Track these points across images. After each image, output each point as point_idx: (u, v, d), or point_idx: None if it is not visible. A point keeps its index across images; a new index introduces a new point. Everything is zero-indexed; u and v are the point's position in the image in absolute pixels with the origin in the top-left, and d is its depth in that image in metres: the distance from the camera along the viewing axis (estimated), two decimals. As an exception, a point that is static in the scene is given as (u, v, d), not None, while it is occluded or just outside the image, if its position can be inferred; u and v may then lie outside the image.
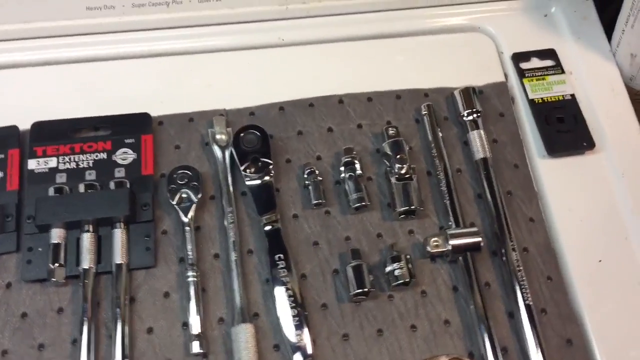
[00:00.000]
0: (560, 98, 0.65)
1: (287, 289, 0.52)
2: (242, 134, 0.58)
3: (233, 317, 0.53)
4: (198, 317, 0.52)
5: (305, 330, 0.51)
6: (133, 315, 0.53)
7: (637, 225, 0.59)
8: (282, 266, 0.53)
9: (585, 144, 0.62)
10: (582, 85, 0.66)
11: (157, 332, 0.53)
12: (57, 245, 0.54)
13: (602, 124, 0.64)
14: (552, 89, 0.65)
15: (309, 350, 0.51)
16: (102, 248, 0.54)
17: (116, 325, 0.52)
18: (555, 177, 0.62)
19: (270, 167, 0.57)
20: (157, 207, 0.57)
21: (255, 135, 0.58)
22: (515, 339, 0.54)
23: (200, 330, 0.52)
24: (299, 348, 0.51)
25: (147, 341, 0.52)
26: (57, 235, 0.54)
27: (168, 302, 0.54)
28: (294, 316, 0.51)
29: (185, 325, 0.53)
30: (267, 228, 0.55)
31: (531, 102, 0.64)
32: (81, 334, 0.51)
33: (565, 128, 0.63)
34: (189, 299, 0.53)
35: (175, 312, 0.53)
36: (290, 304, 0.52)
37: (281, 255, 0.53)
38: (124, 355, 0.50)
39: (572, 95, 0.65)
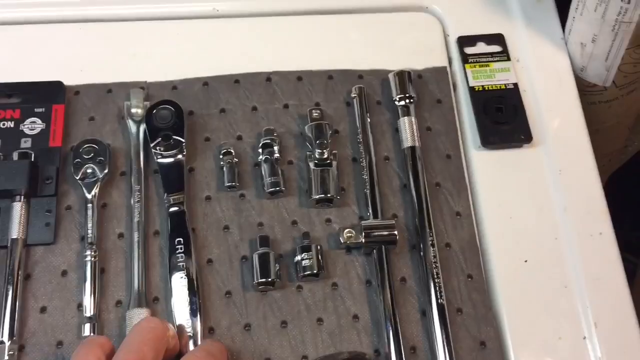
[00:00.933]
0: (502, 87, 0.61)
1: (183, 276, 0.50)
2: (155, 109, 0.55)
3: (130, 300, 0.51)
4: (92, 299, 0.50)
5: (198, 319, 0.49)
6: (27, 293, 0.51)
7: (569, 225, 0.56)
8: (180, 250, 0.50)
9: (522, 137, 0.58)
10: (528, 74, 0.62)
11: (51, 311, 0.51)
12: (-52, 216, 0.51)
13: (543, 117, 0.60)
14: (494, 76, 0.62)
15: (199, 340, 0.49)
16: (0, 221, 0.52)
17: (6, 302, 0.49)
18: (488, 170, 0.58)
19: (183, 145, 0.54)
20: (63, 182, 0.55)
21: (169, 111, 0.55)
22: (426, 339, 0.51)
23: (93, 313, 0.49)
24: (189, 337, 0.48)
25: (39, 321, 0.50)
26: (-50, 205, 0.52)
27: (65, 281, 0.52)
28: (189, 304, 0.49)
29: (81, 306, 0.51)
30: (171, 209, 0.52)
31: (471, 90, 0.61)
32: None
33: (503, 119, 0.59)
34: (85, 280, 0.51)
35: (72, 292, 0.51)
36: (185, 291, 0.49)
37: (181, 239, 0.51)
38: (11, 334, 0.48)
39: (515, 85, 0.61)
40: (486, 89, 0.61)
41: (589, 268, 0.54)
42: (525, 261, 0.55)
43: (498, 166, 0.58)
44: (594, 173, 0.58)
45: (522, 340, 0.52)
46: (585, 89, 0.64)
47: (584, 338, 0.52)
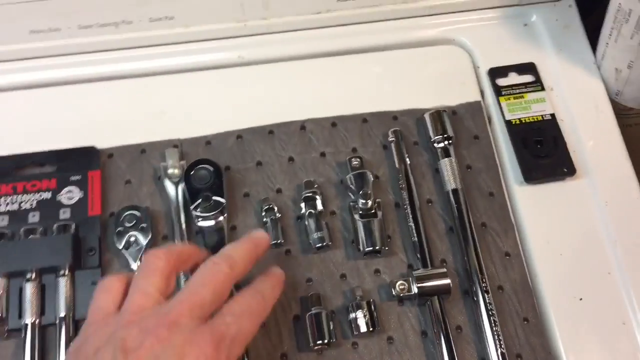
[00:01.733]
0: (539, 118, 0.60)
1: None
2: (193, 170, 0.54)
3: None
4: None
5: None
6: (79, 370, 0.50)
7: (621, 258, 0.55)
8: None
9: (565, 169, 0.57)
10: (564, 102, 0.61)
11: (105, 388, 0.50)
12: (-4, 297, 0.50)
13: (584, 147, 0.59)
14: (530, 108, 0.61)
15: None
16: (46, 297, 0.51)
17: (59, 382, 0.49)
18: (532, 206, 0.57)
19: (224, 206, 0.54)
20: (105, 251, 0.54)
21: (207, 171, 0.54)
22: (487, 388, 0.51)
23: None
24: None
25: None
26: (-4, 285, 0.51)
27: (116, 354, 0.51)
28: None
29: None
30: (218, 275, 0.51)
31: (508, 123, 0.60)
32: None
33: (544, 152, 0.58)
34: (137, 353, 0.50)
35: None
36: None
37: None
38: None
39: (552, 115, 0.60)
40: (523, 121, 0.60)
41: (646, 302, 0.53)
42: (581, 299, 0.54)
43: (542, 201, 0.57)
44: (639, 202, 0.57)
45: (585, 383, 0.51)
46: (621, 113, 0.64)
47: (646, 377, 0.51)
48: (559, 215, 0.57)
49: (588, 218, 0.57)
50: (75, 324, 0.51)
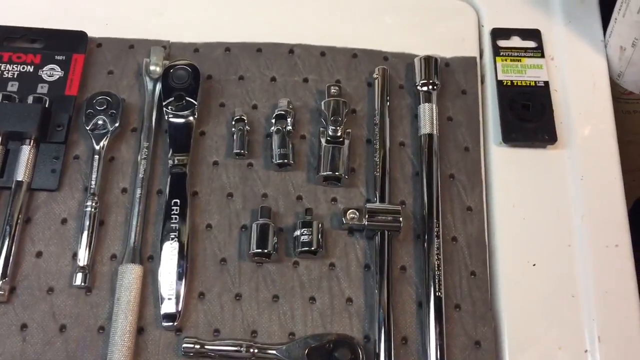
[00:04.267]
0: (532, 84, 0.59)
1: (175, 238, 0.49)
2: (172, 69, 0.55)
3: (124, 255, 0.50)
4: (87, 250, 0.50)
5: (182, 283, 0.48)
6: (25, 236, 0.51)
7: (584, 233, 0.53)
8: (175, 212, 0.50)
9: (546, 136, 0.56)
10: (562, 73, 0.60)
11: (46, 257, 0.50)
12: (-40, 153, 0.52)
13: (572, 119, 0.58)
14: (525, 72, 0.59)
15: (174, 308, 0.48)
16: (7, 163, 0.52)
17: (3, 242, 0.49)
18: (507, 168, 0.56)
19: (195, 107, 0.54)
20: (74, 131, 0.54)
21: (186, 72, 0.54)
22: (419, 331, 0.49)
23: (87, 263, 0.49)
24: (168, 301, 0.48)
25: (34, 265, 0.50)
26: (-38, 143, 0.52)
27: (64, 229, 0.51)
28: (177, 267, 0.49)
29: (76, 255, 0.50)
30: (173, 170, 0.52)
31: (499, 83, 0.59)
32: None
33: (529, 117, 0.57)
34: (83, 230, 0.50)
35: (69, 241, 0.51)
36: (175, 254, 0.49)
37: (178, 201, 0.50)
38: (4, 274, 0.48)
39: (546, 83, 0.58)
40: (515, 84, 0.58)
41: (600, 280, 0.51)
42: (534, 265, 0.52)
43: (518, 165, 0.56)
44: (618, 183, 0.55)
45: (519, 346, 0.49)
46: (621, 97, 0.61)
47: (586, 351, 0.49)
48: (532, 181, 0.55)
49: (561, 188, 0.55)
50: (30, 192, 0.52)
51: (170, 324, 0.48)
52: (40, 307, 0.49)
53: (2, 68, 0.55)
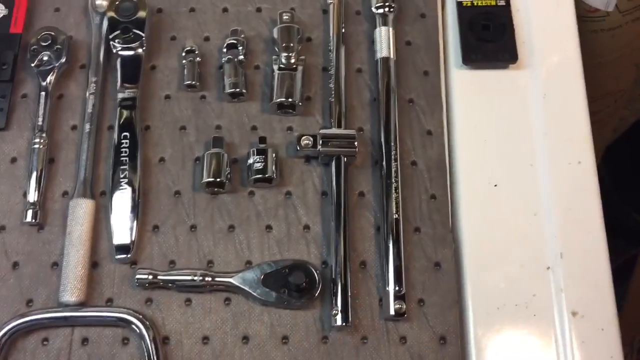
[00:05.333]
0: (492, 3, 0.57)
1: (126, 171, 0.48)
2: (118, 2, 0.53)
3: (75, 190, 0.49)
4: (37, 187, 0.49)
5: (135, 216, 0.48)
6: (-25, 177, 0.51)
7: (546, 152, 0.52)
8: (125, 145, 0.49)
9: (507, 56, 0.54)
10: (524, -7, 0.58)
11: (-4, 197, 0.50)
12: None
13: (534, 38, 0.56)
14: (486, -8, 0.58)
15: (127, 239, 0.47)
16: (-47, 105, 0.51)
17: (-48, 183, 0.49)
18: (468, 90, 0.55)
19: (143, 39, 0.52)
20: (21, 70, 0.53)
21: (132, 4, 0.53)
22: (377, 255, 0.49)
23: (36, 200, 0.48)
24: (121, 233, 0.47)
25: (-16, 205, 0.50)
26: None
27: (13, 167, 0.50)
28: (130, 201, 0.48)
29: (26, 194, 0.50)
30: (122, 103, 0.50)
31: (459, 5, 0.57)
32: None
33: (489, 37, 0.55)
34: (32, 167, 0.50)
35: (19, 179, 0.50)
36: (127, 188, 0.48)
37: (127, 134, 0.49)
38: (-47, 214, 0.48)
39: (507, 2, 0.56)
40: (475, 4, 0.57)
41: (563, 197, 0.51)
42: (495, 185, 0.51)
43: (479, 86, 0.55)
44: (582, 101, 0.54)
45: (480, 265, 0.49)
46: (587, 15, 0.60)
47: (548, 268, 0.49)
48: (493, 102, 0.54)
49: (522, 108, 0.54)
50: (-23, 132, 0.51)
51: (124, 256, 0.47)
52: (-8, 246, 0.48)
53: (-57, 8, 0.54)
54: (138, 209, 0.48)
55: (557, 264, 0.49)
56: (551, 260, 0.49)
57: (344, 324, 0.45)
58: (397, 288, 0.46)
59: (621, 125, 0.78)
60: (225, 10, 0.56)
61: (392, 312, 0.46)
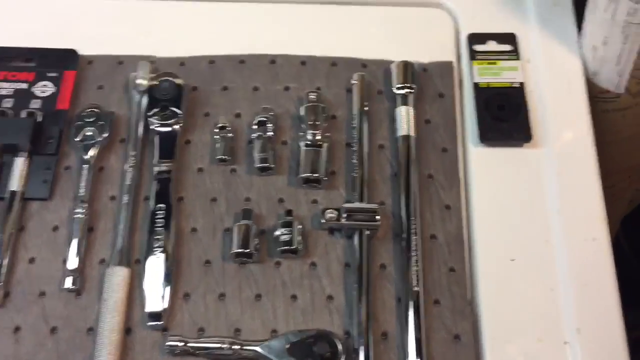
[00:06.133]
0: (507, 85, 0.60)
1: (161, 241, 0.51)
2: (157, 82, 0.57)
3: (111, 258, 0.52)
4: (77, 254, 0.52)
5: (167, 284, 0.50)
6: (19, 244, 0.53)
7: (561, 228, 0.54)
8: (161, 216, 0.52)
9: (522, 135, 0.57)
10: (538, 75, 0.61)
11: (38, 263, 0.52)
12: (-42, 167, 0.55)
13: (547, 119, 0.59)
14: (501, 74, 0.61)
15: (159, 307, 0.49)
16: (2, 175, 0.55)
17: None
18: (484, 167, 0.57)
19: (179, 116, 0.56)
20: (66, 143, 0.57)
21: (170, 84, 0.57)
22: (398, 326, 0.50)
23: (76, 267, 0.51)
24: (154, 300, 0.50)
25: (26, 270, 0.52)
26: (-40, 156, 0.55)
27: (55, 235, 0.54)
28: (164, 269, 0.50)
29: (66, 260, 0.52)
30: (159, 176, 0.54)
31: (475, 85, 0.60)
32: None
33: (505, 117, 0.58)
34: (73, 235, 0.53)
35: (60, 247, 0.53)
36: (161, 256, 0.51)
37: (163, 206, 0.52)
38: (-2, 280, 0.51)
39: (521, 84, 0.60)
40: (491, 86, 0.60)
41: (579, 273, 0.52)
42: (513, 260, 0.53)
43: (495, 163, 0.57)
44: (595, 178, 0.56)
45: (499, 338, 0.50)
46: (599, 95, 0.63)
47: (565, 343, 0.50)
48: (509, 179, 0.57)
49: (537, 185, 0.56)
50: (24, 202, 0.54)
51: (156, 322, 0.49)
52: (33, 311, 0.51)
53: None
54: (171, 277, 0.51)
55: (575, 339, 0.50)
56: (568, 335, 0.50)
57: (366, 394, 0.47)
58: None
59: (636, 197, 0.79)
60: (255, 89, 0.60)
61: (412, 384, 0.47)
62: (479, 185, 0.56)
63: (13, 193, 0.54)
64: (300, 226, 0.52)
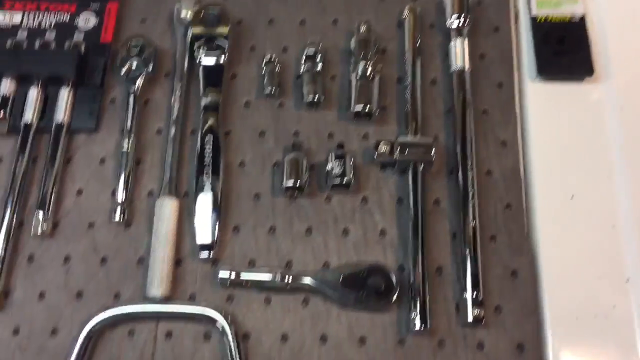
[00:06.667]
0: (567, 19, 0.57)
1: (209, 173, 0.50)
2: (202, 13, 0.55)
3: (161, 190, 0.51)
4: (125, 187, 0.51)
5: (217, 217, 0.49)
6: (66, 176, 0.53)
7: (623, 163, 0.52)
8: (209, 149, 0.51)
9: (583, 69, 0.55)
10: (600, 6, 0.58)
11: (86, 195, 0.52)
12: (4, 97, 0.53)
13: (610, 51, 0.56)
14: (560, 6, 0.58)
15: (209, 239, 0.49)
16: (47, 106, 0.54)
17: (46, 181, 0.51)
18: (542, 102, 0.55)
19: (224, 49, 0.54)
20: (110, 76, 0.56)
21: (215, 16, 0.55)
22: (454, 262, 0.49)
23: (123, 199, 0.51)
24: (204, 233, 0.49)
25: (75, 202, 0.52)
26: (6, 86, 0.54)
27: (102, 168, 0.53)
28: (212, 202, 0.49)
29: (115, 192, 0.52)
30: (205, 105, 0.52)
31: (533, 20, 0.57)
32: (11, 185, 0.51)
33: (564, 50, 0.56)
34: (120, 168, 0.52)
35: (107, 179, 0.52)
36: (209, 189, 0.50)
37: (210, 139, 0.51)
38: (47, 210, 0.50)
39: (582, 16, 0.57)
40: (550, 19, 0.57)
41: (642, 210, 0.50)
42: (572, 197, 0.51)
43: (554, 98, 0.55)
44: (660, 113, 0.54)
45: (557, 275, 0.49)
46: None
47: (627, 280, 0.48)
48: (568, 114, 0.54)
49: (599, 121, 0.54)
50: (70, 134, 0.54)
51: (207, 254, 0.49)
52: (82, 241, 0.50)
53: (39, 17, 0.57)
54: (220, 209, 0.50)
55: (637, 275, 0.48)
56: (630, 272, 0.48)
57: (422, 327, 0.46)
58: (475, 294, 0.47)
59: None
60: (302, 22, 0.58)
61: (470, 318, 0.46)
62: (536, 120, 0.54)
63: (59, 124, 0.53)
64: (352, 160, 0.51)
